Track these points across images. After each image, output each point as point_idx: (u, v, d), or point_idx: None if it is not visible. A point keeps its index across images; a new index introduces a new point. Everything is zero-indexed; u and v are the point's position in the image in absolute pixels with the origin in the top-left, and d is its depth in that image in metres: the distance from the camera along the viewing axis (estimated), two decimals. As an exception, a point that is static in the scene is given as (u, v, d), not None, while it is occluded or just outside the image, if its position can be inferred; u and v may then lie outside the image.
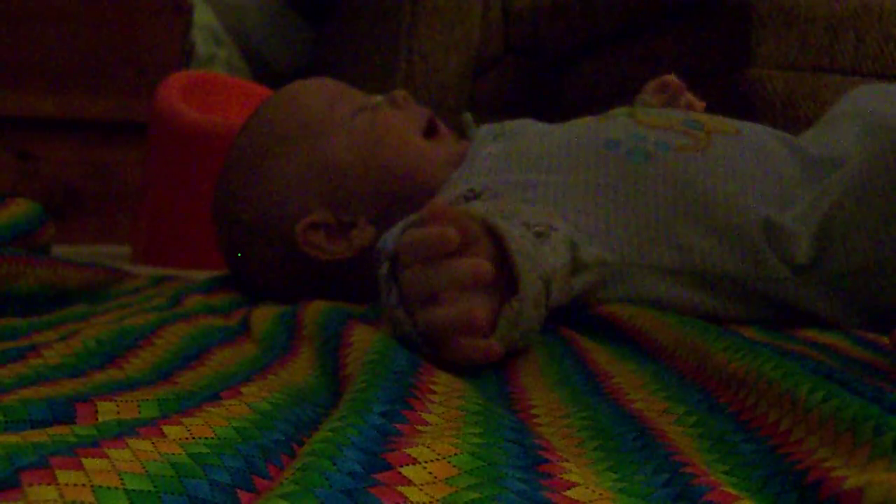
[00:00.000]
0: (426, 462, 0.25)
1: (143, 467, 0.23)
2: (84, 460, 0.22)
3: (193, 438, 0.26)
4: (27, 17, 1.77)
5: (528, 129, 0.81)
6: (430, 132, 0.80)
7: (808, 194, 0.69)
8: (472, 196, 0.70)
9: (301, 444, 0.29)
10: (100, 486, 0.21)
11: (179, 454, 0.24)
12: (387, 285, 0.51)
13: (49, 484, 0.21)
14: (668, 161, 0.71)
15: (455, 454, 0.26)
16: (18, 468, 0.21)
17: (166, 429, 0.26)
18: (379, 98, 0.82)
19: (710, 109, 0.92)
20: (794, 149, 0.74)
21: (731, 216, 0.68)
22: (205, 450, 0.25)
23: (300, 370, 0.45)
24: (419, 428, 0.30)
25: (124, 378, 0.41)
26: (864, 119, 0.78)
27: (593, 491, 0.24)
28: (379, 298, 0.78)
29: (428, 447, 0.26)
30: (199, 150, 1.30)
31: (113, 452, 0.23)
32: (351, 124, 0.77)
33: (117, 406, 0.32)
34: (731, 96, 1.14)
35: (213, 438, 0.26)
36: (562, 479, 0.25)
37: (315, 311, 0.57)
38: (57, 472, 0.21)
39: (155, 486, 0.22)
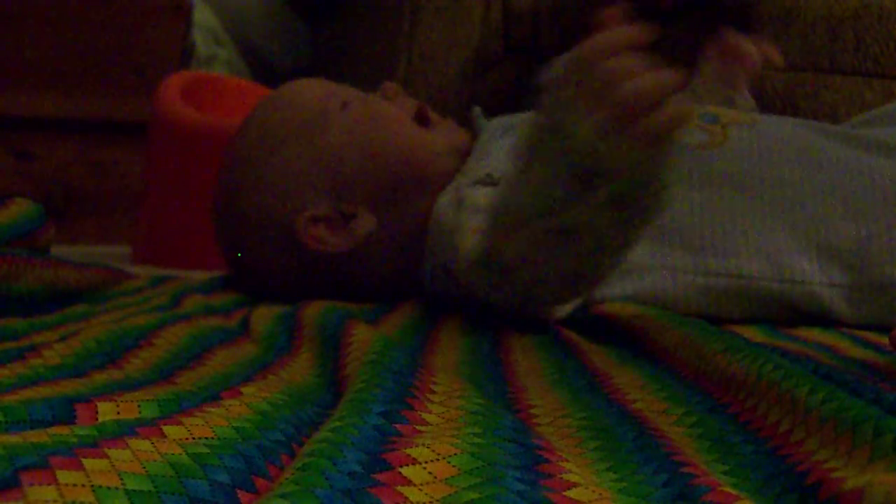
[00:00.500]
0: (426, 462, 0.25)
1: (143, 467, 0.23)
2: (84, 460, 0.22)
3: (193, 438, 0.26)
4: (27, 17, 1.77)
5: None
6: (421, 121, 0.80)
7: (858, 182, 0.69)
8: (489, 182, 0.71)
9: (301, 444, 0.29)
10: (100, 486, 0.21)
11: (179, 454, 0.24)
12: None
13: (49, 484, 0.21)
14: (684, 167, 0.71)
15: (455, 454, 0.26)
16: (18, 468, 0.21)
17: (166, 429, 0.26)
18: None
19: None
20: (824, 131, 0.74)
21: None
22: (205, 450, 0.25)
23: (300, 370, 0.45)
24: (419, 428, 0.30)
25: (124, 378, 0.41)
26: None
27: (593, 491, 0.24)
28: (378, 298, 0.78)
29: (428, 447, 0.26)
30: (199, 150, 1.30)
31: (113, 452, 0.23)
32: (343, 116, 0.77)
33: (117, 406, 0.31)
34: (731, 96, 1.14)
35: (213, 438, 0.26)
36: (562, 479, 0.25)
37: (315, 311, 0.57)
38: (57, 472, 0.21)
39: (155, 487, 0.22)
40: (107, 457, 0.23)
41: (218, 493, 0.23)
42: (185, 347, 0.49)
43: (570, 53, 0.52)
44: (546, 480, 0.25)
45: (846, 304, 0.68)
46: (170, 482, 0.23)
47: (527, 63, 1.75)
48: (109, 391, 0.36)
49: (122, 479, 0.22)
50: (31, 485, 0.20)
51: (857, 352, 0.54)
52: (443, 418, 0.32)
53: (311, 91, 0.80)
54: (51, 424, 0.29)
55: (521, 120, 0.83)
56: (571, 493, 0.24)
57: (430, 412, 0.32)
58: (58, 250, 0.96)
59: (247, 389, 0.37)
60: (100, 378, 0.40)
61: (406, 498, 0.23)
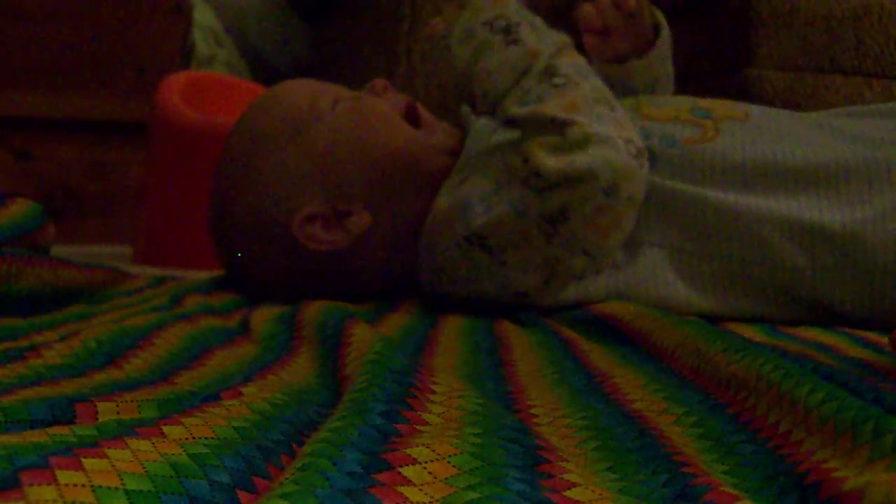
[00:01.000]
0: (426, 462, 0.25)
1: (143, 467, 0.23)
2: (84, 460, 0.22)
3: (193, 438, 0.26)
4: (27, 17, 1.77)
5: None
6: (410, 117, 0.80)
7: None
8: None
9: (301, 444, 0.29)
10: (100, 486, 0.21)
11: (179, 454, 0.24)
12: None
13: (49, 484, 0.21)
14: (674, 162, 0.72)
15: (455, 454, 0.26)
16: (18, 468, 0.21)
17: (166, 429, 0.26)
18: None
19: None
20: (818, 124, 0.75)
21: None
22: (205, 450, 0.25)
23: (300, 370, 0.45)
24: (419, 428, 0.30)
25: (124, 378, 0.41)
26: None
27: (593, 491, 0.24)
28: (376, 297, 0.79)
29: (428, 447, 0.26)
30: (199, 150, 1.30)
31: (113, 452, 0.23)
32: (333, 114, 0.78)
33: (117, 406, 0.32)
34: (731, 96, 1.14)
35: (213, 438, 0.26)
36: (562, 479, 0.25)
37: (315, 311, 0.57)
38: (57, 472, 0.21)
39: (155, 487, 0.22)
40: (107, 457, 0.23)
41: (218, 493, 0.23)
42: (184, 348, 0.49)
43: None
44: (546, 480, 0.25)
45: (839, 290, 0.68)
46: (170, 482, 0.23)
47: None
48: (109, 391, 0.36)
49: (122, 479, 0.22)
50: (31, 485, 0.20)
51: (857, 352, 0.54)
52: (443, 418, 0.32)
53: (300, 91, 0.81)
54: (51, 424, 0.29)
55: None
56: (571, 493, 0.24)
57: (430, 412, 0.32)
58: (58, 250, 0.96)
59: (247, 389, 0.37)
60: (100, 378, 0.40)
61: (406, 498, 0.23)
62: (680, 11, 1.35)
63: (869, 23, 1.21)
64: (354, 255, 0.76)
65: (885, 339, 0.60)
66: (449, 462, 0.26)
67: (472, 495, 0.24)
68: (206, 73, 1.51)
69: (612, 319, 0.61)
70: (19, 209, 0.78)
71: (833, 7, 1.20)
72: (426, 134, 0.80)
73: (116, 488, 0.21)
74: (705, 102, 0.79)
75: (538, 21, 0.80)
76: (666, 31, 0.88)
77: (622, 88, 0.87)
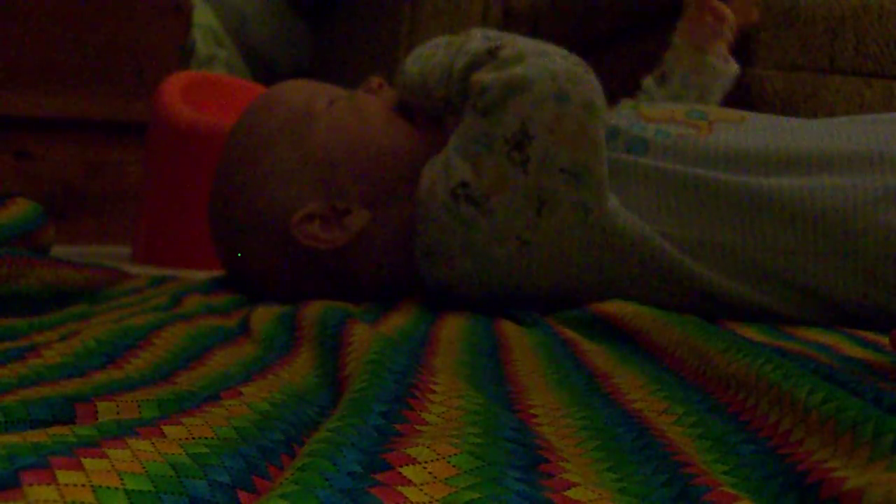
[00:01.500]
0: (426, 462, 0.25)
1: (143, 467, 0.23)
2: (84, 460, 0.22)
3: (193, 438, 0.26)
4: (27, 17, 1.77)
5: None
6: (405, 113, 0.81)
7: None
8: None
9: (301, 444, 0.29)
10: (100, 486, 0.21)
11: (179, 454, 0.24)
12: None
13: (49, 484, 0.21)
14: (667, 147, 0.73)
15: (455, 454, 0.26)
16: (18, 468, 0.21)
17: (166, 429, 0.26)
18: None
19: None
20: (815, 125, 0.76)
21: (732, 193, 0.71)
22: (205, 450, 0.25)
23: (300, 370, 0.45)
24: (419, 428, 0.30)
25: (124, 378, 0.41)
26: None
27: (593, 491, 0.24)
28: (376, 296, 0.79)
29: (428, 447, 0.26)
30: (199, 150, 1.30)
31: (113, 452, 0.23)
32: (329, 114, 0.78)
33: (117, 406, 0.32)
34: (731, 96, 1.14)
35: (213, 438, 0.26)
36: (562, 479, 0.25)
37: (315, 311, 0.57)
38: (57, 472, 0.21)
39: (155, 487, 0.22)
40: (107, 457, 0.23)
41: (218, 493, 0.23)
42: (185, 347, 0.49)
43: None
44: (546, 480, 0.25)
45: (832, 275, 0.69)
46: (170, 482, 0.23)
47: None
48: (109, 391, 0.36)
49: (122, 479, 0.22)
50: (31, 485, 0.20)
51: (857, 352, 0.54)
52: (443, 418, 0.32)
53: (297, 91, 0.81)
54: (51, 424, 0.29)
55: None
56: (571, 493, 0.24)
57: (430, 412, 0.32)
58: (58, 250, 0.97)
59: (247, 389, 0.37)
60: (100, 378, 0.40)
61: (406, 498, 0.23)
62: (680, 11, 1.35)
63: (869, 23, 1.21)
64: (353, 254, 0.76)
65: (885, 339, 0.61)
66: (449, 462, 0.26)
67: (472, 495, 0.24)
68: (206, 73, 1.51)
69: (612, 319, 0.61)
70: (19, 209, 0.78)
71: (833, 7, 1.20)
72: (421, 130, 0.80)
73: (116, 488, 0.21)
74: (703, 107, 0.80)
75: None
76: (736, 67, 1.02)
77: (682, 82, 0.96)
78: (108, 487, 0.21)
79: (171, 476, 0.23)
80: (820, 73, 1.21)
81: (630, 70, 1.48)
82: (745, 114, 0.79)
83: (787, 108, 1.19)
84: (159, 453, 0.24)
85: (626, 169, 0.73)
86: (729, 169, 0.72)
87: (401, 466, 0.25)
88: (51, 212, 1.78)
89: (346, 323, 0.49)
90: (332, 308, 0.58)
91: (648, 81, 1.02)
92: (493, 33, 0.76)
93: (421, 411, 0.32)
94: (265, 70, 2.36)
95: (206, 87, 1.46)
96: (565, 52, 0.73)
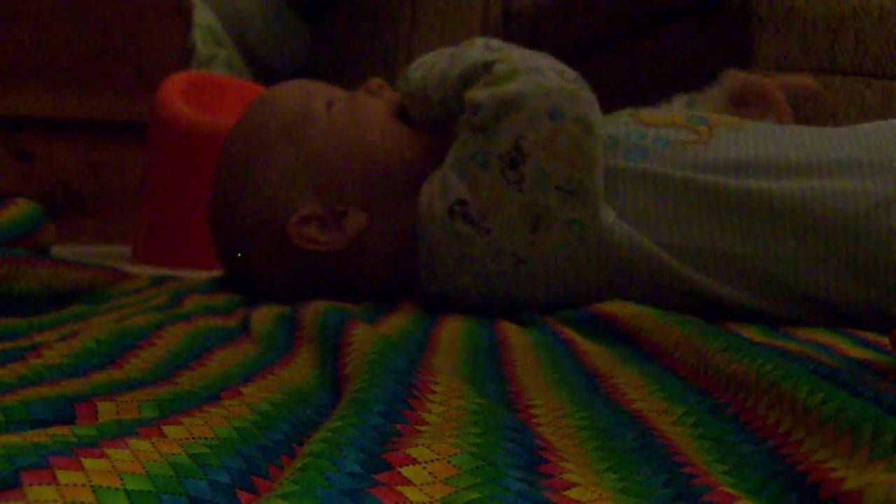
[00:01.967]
0: (426, 462, 0.25)
1: (143, 467, 0.23)
2: (84, 460, 0.22)
3: (193, 438, 0.26)
4: (27, 17, 1.77)
5: None
6: (405, 116, 0.81)
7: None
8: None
9: (301, 444, 0.29)
10: (100, 486, 0.21)
11: (179, 454, 0.24)
12: None
13: (49, 484, 0.21)
14: (666, 155, 0.73)
15: (455, 454, 0.26)
16: (18, 468, 0.21)
17: (166, 429, 0.26)
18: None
19: (710, 110, 0.93)
20: (816, 132, 0.76)
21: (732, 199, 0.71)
22: (205, 450, 0.25)
23: (300, 370, 0.45)
24: (419, 428, 0.30)
25: (124, 378, 0.41)
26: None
27: (593, 491, 0.24)
28: (375, 297, 0.79)
29: (428, 447, 0.26)
30: (199, 150, 1.30)
31: (113, 452, 0.23)
32: (328, 115, 0.78)
33: (117, 406, 0.32)
34: (731, 96, 1.14)
35: (213, 438, 0.26)
36: (562, 479, 0.25)
37: (315, 311, 0.57)
38: (57, 472, 0.21)
39: (155, 487, 0.22)
40: (107, 457, 0.23)
41: (218, 493, 0.23)
42: (185, 347, 0.49)
43: None
44: (546, 480, 0.25)
45: (833, 282, 0.69)
46: (170, 482, 0.23)
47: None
48: (109, 391, 0.36)
49: (122, 479, 0.22)
50: (31, 485, 0.20)
51: (857, 352, 0.54)
52: (443, 418, 0.32)
53: (296, 92, 0.81)
54: (51, 424, 0.29)
55: None
56: (571, 493, 0.24)
57: (430, 412, 0.32)
58: (58, 250, 0.97)
59: (247, 389, 0.37)
60: (100, 378, 0.40)
61: (406, 498, 0.23)
62: (680, 11, 1.35)
63: (869, 23, 1.21)
64: (351, 256, 0.76)
65: (885, 339, 0.61)
66: (449, 462, 0.26)
67: (472, 495, 0.24)
68: (206, 74, 1.51)
69: (611, 319, 0.61)
70: (19, 209, 0.78)
71: (833, 7, 1.20)
72: (420, 133, 0.80)
73: (116, 488, 0.21)
74: (703, 112, 0.80)
75: None
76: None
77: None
78: (108, 487, 0.21)
79: (171, 476, 0.23)
80: (820, 73, 1.21)
81: (630, 70, 1.48)
82: (746, 120, 0.79)
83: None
84: (159, 453, 0.24)
85: (623, 176, 0.72)
86: (728, 174, 0.71)
87: (401, 466, 0.25)
88: (51, 212, 1.78)
89: (346, 323, 0.49)
90: (332, 308, 0.58)
91: (679, 99, 1.01)
92: (495, 43, 0.76)
93: (421, 411, 0.32)
94: (265, 70, 2.36)
95: (206, 87, 1.46)
96: (562, 66, 0.72)
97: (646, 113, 0.80)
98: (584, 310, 0.67)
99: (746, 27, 1.19)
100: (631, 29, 1.49)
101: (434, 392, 0.35)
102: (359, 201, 0.76)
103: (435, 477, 0.25)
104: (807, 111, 1.20)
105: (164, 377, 0.42)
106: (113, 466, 0.22)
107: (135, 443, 0.24)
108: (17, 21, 1.76)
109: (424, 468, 0.25)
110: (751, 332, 0.63)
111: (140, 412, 0.32)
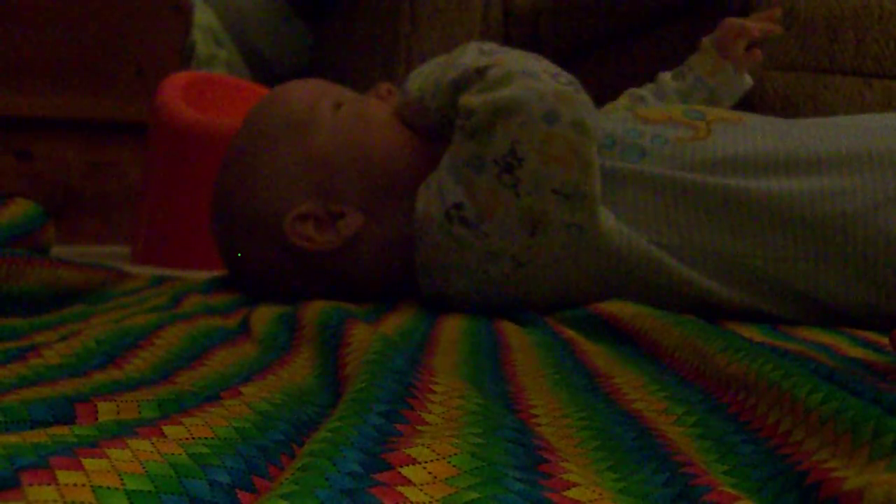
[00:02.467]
0: (426, 462, 0.25)
1: (143, 467, 0.23)
2: (84, 460, 0.22)
3: (193, 439, 0.26)
4: (27, 17, 1.77)
5: None
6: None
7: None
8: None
9: (301, 444, 0.29)
10: (100, 487, 0.21)
11: (179, 454, 0.24)
12: None
13: (49, 484, 0.21)
14: (664, 155, 0.72)
15: (455, 454, 0.26)
16: (18, 468, 0.21)
17: (166, 429, 0.26)
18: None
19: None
20: (815, 125, 0.76)
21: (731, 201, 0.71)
22: (205, 450, 0.25)
23: (300, 370, 0.45)
24: (419, 428, 0.30)
25: (124, 378, 0.41)
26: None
27: (593, 491, 0.24)
28: (373, 297, 0.79)
29: (428, 447, 0.26)
30: (199, 150, 1.30)
31: (113, 452, 0.23)
32: (334, 117, 0.78)
33: (117, 406, 0.32)
34: (731, 96, 1.14)
35: (213, 439, 0.26)
36: (562, 479, 0.25)
37: (315, 311, 0.57)
38: (57, 472, 0.21)
39: (155, 487, 0.22)
40: (107, 457, 0.23)
41: (218, 493, 0.23)
42: (185, 347, 0.49)
43: None
44: (546, 480, 0.25)
45: (832, 282, 0.69)
46: (170, 482, 0.23)
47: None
48: (109, 391, 0.36)
49: (122, 479, 0.22)
50: (31, 485, 0.20)
51: (857, 352, 0.54)
52: (443, 418, 0.32)
53: (303, 92, 0.81)
54: (51, 424, 0.29)
55: None
56: (571, 493, 0.24)
57: (430, 412, 0.32)
58: (58, 250, 0.97)
59: (247, 389, 0.37)
60: (100, 378, 0.40)
61: (406, 498, 0.23)
62: (680, 11, 1.35)
63: (869, 23, 1.21)
64: (346, 256, 0.77)
65: (885, 339, 0.61)
66: (449, 462, 0.26)
67: (473, 495, 0.24)
68: (206, 73, 1.51)
69: (611, 319, 0.61)
70: (19, 209, 0.78)
71: (833, 7, 1.20)
72: (423, 139, 0.80)
73: (116, 488, 0.21)
74: (700, 106, 0.80)
75: None
76: (750, 81, 1.03)
77: (695, 80, 1.00)
78: (108, 487, 0.21)
79: (171, 476, 0.23)
80: (820, 73, 1.21)
81: (630, 70, 1.48)
82: (743, 114, 0.79)
83: (787, 108, 1.19)
84: (159, 453, 0.24)
85: (622, 177, 0.72)
86: (728, 174, 0.71)
87: (401, 466, 0.25)
88: (51, 212, 1.78)
89: (346, 323, 0.49)
90: (332, 308, 0.58)
91: (664, 74, 1.02)
92: (488, 47, 0.76)
93: (421, 411, 0.32)
94: (265, 70, 2.36)
95: (206, 87, 1.46)
96: (557, 69, 0.72)
97: (643, 109, 0.80)
98: (584, 310, 0.67)
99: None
100: (631, 29, 1.49)
101: (434, 392, 0.35)
102: (357, 202, 0.76)
103: (435, 477, 0.25)
104: (807, 111, 1.20)
105: (164, 377, 0.42)
106: (113, 466, 0.22)
107: (135, 443, 0.24)
108: (17, 21, 1.76)
109: (424, 468, 0.25)
110: (751, 332, 0.63)
111: (140, 412, 0.32)
